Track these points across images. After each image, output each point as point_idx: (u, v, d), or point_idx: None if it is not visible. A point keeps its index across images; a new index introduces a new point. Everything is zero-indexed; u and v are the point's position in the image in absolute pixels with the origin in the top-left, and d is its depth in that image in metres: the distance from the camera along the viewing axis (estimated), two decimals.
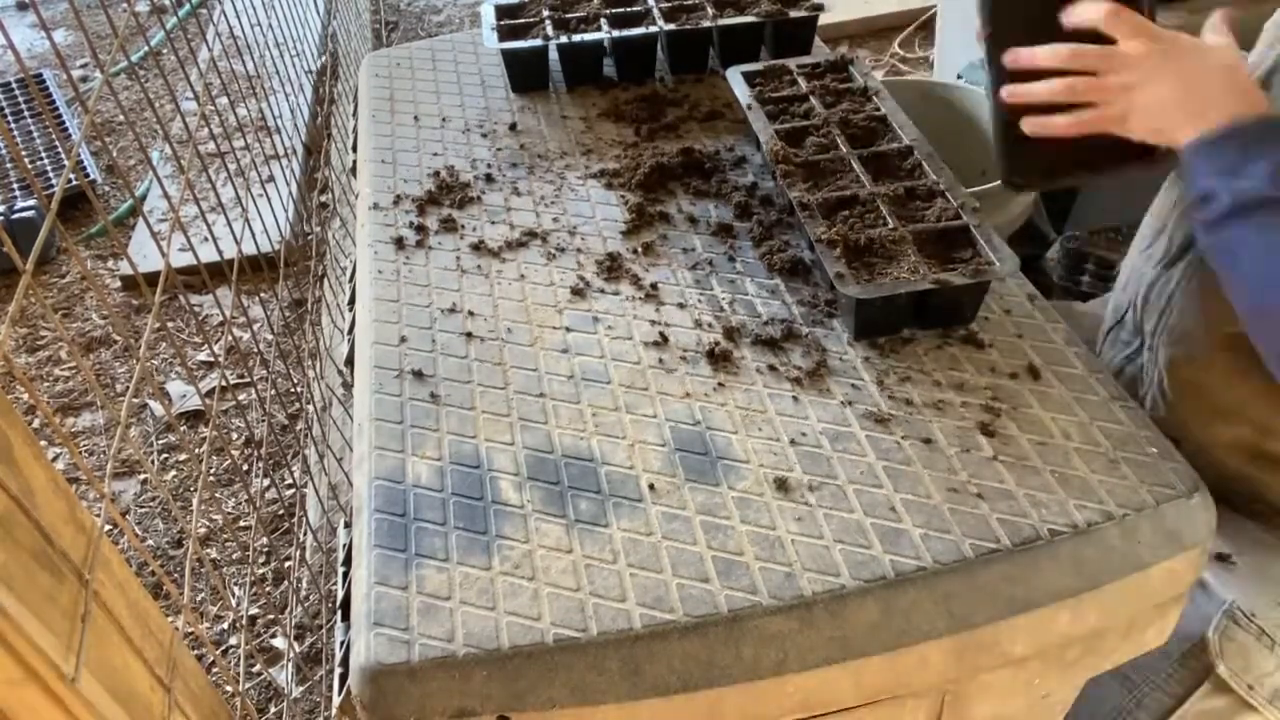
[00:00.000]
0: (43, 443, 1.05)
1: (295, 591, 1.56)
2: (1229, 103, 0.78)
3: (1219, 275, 0.80)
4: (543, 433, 0.87)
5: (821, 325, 0.97)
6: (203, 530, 1.81)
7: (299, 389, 1.74)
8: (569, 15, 1.36)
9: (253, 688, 1.55)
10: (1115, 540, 0.78)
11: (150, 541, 1.80)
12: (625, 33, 1.31)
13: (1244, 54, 0.88)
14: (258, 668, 1.55)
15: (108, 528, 0.76)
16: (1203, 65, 0.80)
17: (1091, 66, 0.82)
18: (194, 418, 2.06)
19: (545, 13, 1.36)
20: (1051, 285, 1.86)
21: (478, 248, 1.09)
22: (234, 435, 2.00)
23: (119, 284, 2.41)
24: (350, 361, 1.03)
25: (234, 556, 1.77)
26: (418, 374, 0.94)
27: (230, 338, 2.05)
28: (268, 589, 1.68)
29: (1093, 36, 0.83)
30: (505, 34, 1.33)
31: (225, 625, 1.66)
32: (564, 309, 1.00)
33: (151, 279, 2.10)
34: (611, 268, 1.05)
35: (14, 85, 3.02)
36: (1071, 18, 0.83)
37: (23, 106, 2.94)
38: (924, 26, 2.99)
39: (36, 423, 2.01)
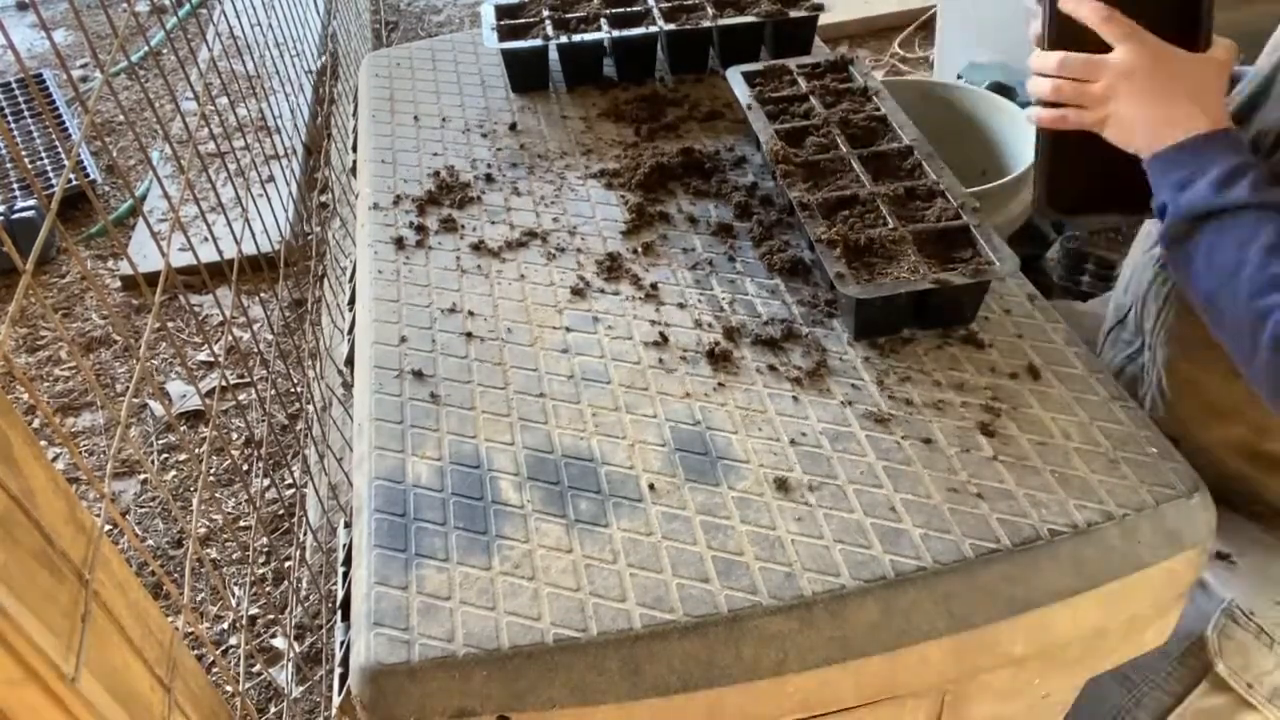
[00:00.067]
0: (43, 443, 1.05)
1: (295, 591, 1.56)
2: (1189, 116, 0.79)
3: (1180, 285, 0.81)
4: (543, 433, 0.87)
5: (821, 325, 0.97)
6: (203, 530, 1.81)
7: (299, 389, 1.74)
8: (569, 15, 1.36)
9: (253, 688, 1.55)
10: (1115, 540, 0.78)
11: (150, 541, 1.80)
12: (625, 33, 1.31)
13: (1242, 57, 0.88)
14: (258, 668, 1.55)
15: (108, 528, 0.76)
16: (1175, 79, 0.81)
17: (1076, 74, 0.84)
18: (194, 418, 2.06)
19: (545, 13, 1.36)
20: (1051, 285, 1.86)
21: (478, 248, 1.09)
22: (234, 435, 2.00)
23: (119, 284, 2.41)
24: (350, 361, 1.03)
25: (234, 556, 1.77)
26: (418, 374, 0.94)
27: (230, 338, 2.05)
28: (268, 589, 1.68)
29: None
30: (505, 34, 1.33)
31: (225, 625, 1.66)
32: (564, 309, 1.00)
33: (151, 279, 2.10)
34: (611, 268, 1.05)
35: (14, 85, 3.02)
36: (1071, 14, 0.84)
37: (23, 106, 2.94)
38: (924, 26, 2.99)
39: (36, 423, 2.01)
